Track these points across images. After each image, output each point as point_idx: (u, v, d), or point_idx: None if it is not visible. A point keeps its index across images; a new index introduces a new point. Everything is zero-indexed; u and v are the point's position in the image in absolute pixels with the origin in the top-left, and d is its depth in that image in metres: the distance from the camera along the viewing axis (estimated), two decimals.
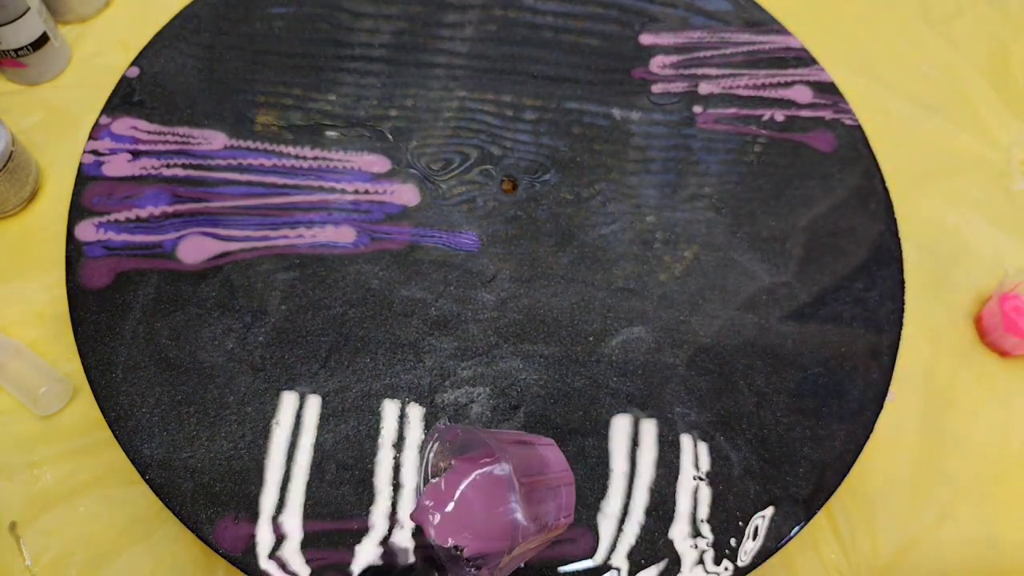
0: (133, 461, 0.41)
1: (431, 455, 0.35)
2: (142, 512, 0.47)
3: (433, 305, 0.46)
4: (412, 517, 0.34)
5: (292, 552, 0.39)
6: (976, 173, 0.66)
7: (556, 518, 0.35)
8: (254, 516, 0.40)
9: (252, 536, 0.39)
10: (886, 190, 0.52)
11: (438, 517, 0.33)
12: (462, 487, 0.34)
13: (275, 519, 0.40)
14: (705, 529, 0.41)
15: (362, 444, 0.42)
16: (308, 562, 0.39)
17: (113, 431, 0.41)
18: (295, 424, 0.42)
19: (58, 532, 0.47)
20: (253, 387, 0.43)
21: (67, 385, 0.50)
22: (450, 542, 0.33)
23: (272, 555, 0.39)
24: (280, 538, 0.39)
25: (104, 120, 0.50)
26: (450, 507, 0.33)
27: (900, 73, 0.70)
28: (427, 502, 0.34)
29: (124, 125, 0.50)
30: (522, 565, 0.35)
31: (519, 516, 0.32)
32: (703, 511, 0.42)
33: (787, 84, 0.56)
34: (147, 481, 0.40)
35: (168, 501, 0.40)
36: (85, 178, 0.48)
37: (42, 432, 0.50)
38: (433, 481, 0.34)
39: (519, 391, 0.44)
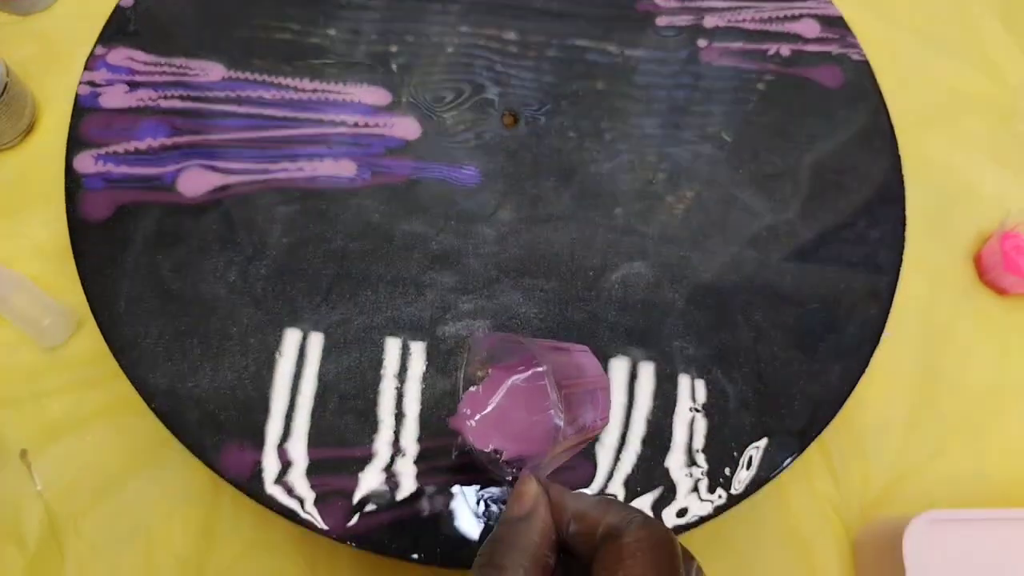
0: (139, 391, 0.41)
1: (467, 364, 0.36)
2: (149, 440, 0.48)
3: (434, 239, 0.46)
4: (451, 424, 0.35)
5: (297, 478, 0.40)
6: (983, 112, 0.65)
7: (593, 420, 0.36)
8: (259, 443, 0.40)
9: (258, 462, 0.40)
10: (892, 128, 0.52)
11: (475, 423, 0.34)
12: (500, 393, 0.34)
13: (280, 446, 0.40)
14: (700, 459, 0.42)
15: (364, 375, 0.42)
16: (313, 487, 0.40)
17: (118, 361, 0.42)
18: (298, 355, 0.42)
19: (67, 460, 0.48)
20: (255, 319, 0.43)
21: (71, 317, 0.51)
22: (490, 447, 0.34)
23: (278, 481, 0.40)
24: (285, 465, 0.40)
25: (99, 51, 0.50)
26: (488, 412, 0.34)
27: (909, 8, 0.69)
28: (465, 409, 0.34)
29: (120, 56, 0.49)
30: (562, 464, 0.36)
31: (558, 420, 0.32)
32: (699, 441, 0.42)
33: (794, 17, 0.55)
34: (153, 410, 0.41)
35: (174, 429, 0.41)
36: (82, 110, 0.48)
37: (48, 363, 0.51)
38: (471, 389, 0.35)
39: (519, 325, 0.44)
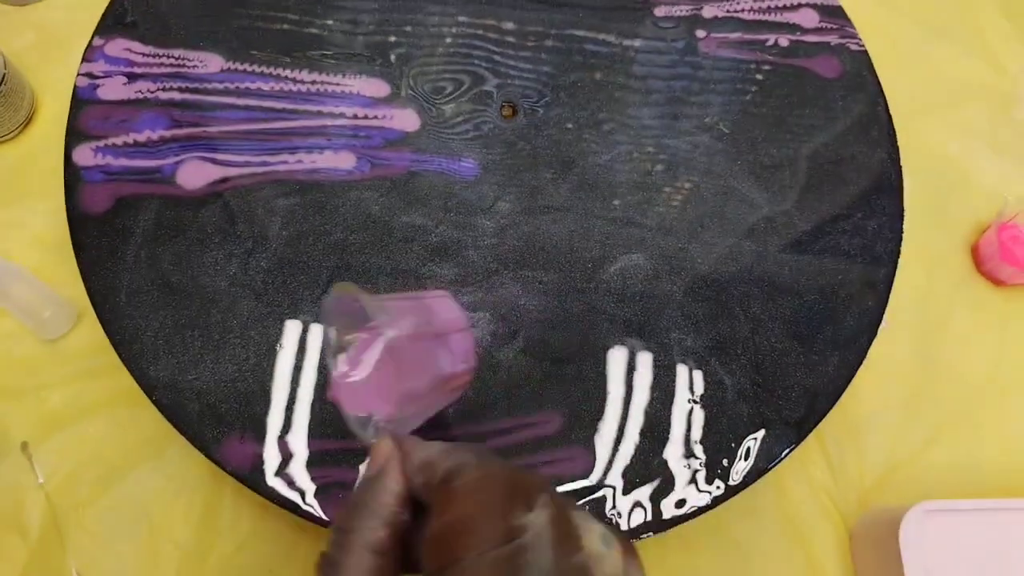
0: (140, 383, 0.42)
1: (327, 334, 0.35)
2: (150, 432, 0.49)
3: (433, 232, 0.46)
4: (330, 396, 0.34)
5: (298, 469, 0.40)
6: (981, 101, 0.65)
7: (452, 366, 0.35)
8: (260, 436, 0.41)
9: (259, 455, 0.40)
10: (890, 118, 0.52)
11: (346, 389, 0.33)
12: (363, 357, 0.33)
13: (281, 438, 0.41)
14: (698, 450, 0.42)
15: None
16: (313, 479, 0.40)
17: (119, 354, 0.42)
18: (299, 348, 0.43)
19: (68, 452, 0.49)
20: (256, 312, 0.43)
21: (71, 309, 0.51)
22: (364, 411, 0.33)
23: (278, 472, 0.40)
24: (286, 456, 0.40)
25: (97, 42, 0.49)
26: (355, 377, 0.33)
27: None
28: (339, 378, 0.34)
29: (118, 47, 0.49)
30: (432, 415, 0.35)
31: (399, 377, 0.32)
32: (697, 433, 0.43)
33: (793, 7, 0.55)
34: (154, 402, 0.41)
35: (175, 421, 0.41)
36: (80, 101, 0.48)
37: (48, 356, 0.51)
38: (340, 357, 0.34)
39: (518, 317, 0.44)
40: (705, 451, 0.42)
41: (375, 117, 0.49)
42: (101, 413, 0.50)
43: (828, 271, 0.47)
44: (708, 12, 0.54)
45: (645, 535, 0.40)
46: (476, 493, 0.25)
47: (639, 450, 0.42)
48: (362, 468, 0.28)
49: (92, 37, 0.49)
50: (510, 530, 0.23)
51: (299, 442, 0.41)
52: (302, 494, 0.40)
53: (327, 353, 0.35)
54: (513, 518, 0.24)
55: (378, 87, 0.50)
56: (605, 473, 0.41)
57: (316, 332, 0.43)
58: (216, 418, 0.41)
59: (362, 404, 0.33)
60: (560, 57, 0.52)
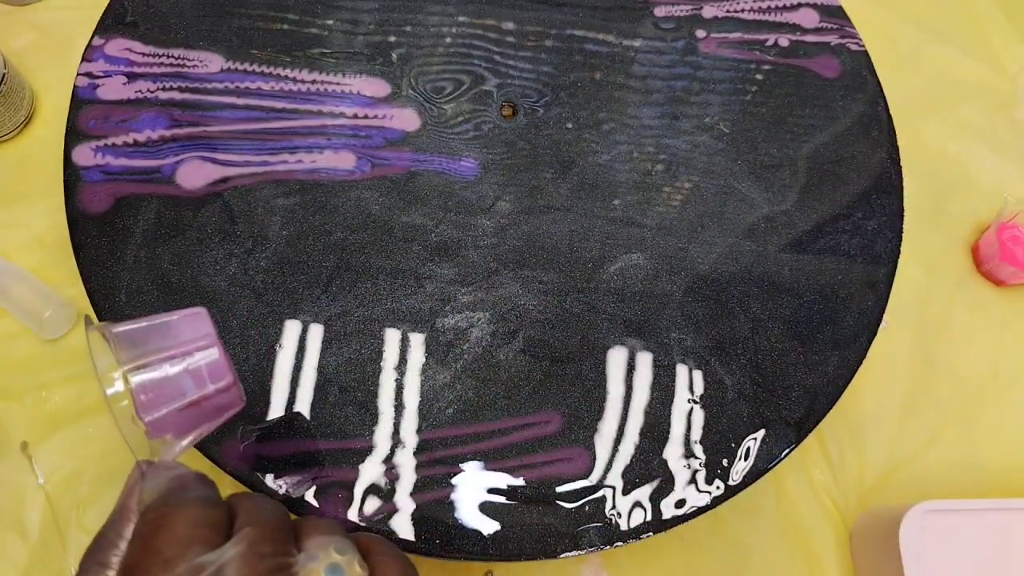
0: None
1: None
2: None
3: (433, 231, 0.46)
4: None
5: (298, 470, 0.40)
6: (981, 101, 0.65)
7: (200, 388, 0.33)
8: (260, 436, 0.41)
9: (258, 455, 0.40)
10: (890, 117, 0.52)
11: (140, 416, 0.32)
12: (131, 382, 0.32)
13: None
14: (698, 450, 0.42)
15: (364, 367, 0.42)
16: (313, 480, 0.40)
17: None
18: (298, 347, 0.43)
19: (68, 452, 0.49)
20: (255, 311, 0.43)
21: (71, 309, 0.51)
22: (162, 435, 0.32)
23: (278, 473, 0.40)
24: (286, 456, 0.40)
25: (97, 41, 0.49)
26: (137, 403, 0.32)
27: None
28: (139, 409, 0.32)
29: (117, 47, 0.49)
30: (203, 435, 0.34)
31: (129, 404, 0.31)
32: (696, 433, 0.43)
33: (793, 7, 0.55)
34: None
35: None
36: (80, 101, 0.48)
37: (48, 355, 0.51)
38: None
39: (518, 316, 0.44)
40: (705, 451, 0.42)
41: (375, 117, 0.49)
42: (101, 413, 0.50)
43: (828, 271, 0.47)
44: (708, 12, 0.54)
45: (645, 535, 0.40)
46: (163, 528, 0.24)
47: (639, 450, 0.42)
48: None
49: (92, 37, 0.49)
50: (192, 568, 0.23)
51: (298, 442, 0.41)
52: (302, 495, 0.40)
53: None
54: (194, 555, 0.23)
55: (378, 87, 0.50)
56: (605, 473, 0.41)
57: (315, 332, 0.43)
58: None
59: (157, 429, 0.32)
60: (560, 57, 0.52)
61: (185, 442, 0.33)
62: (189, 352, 0.33)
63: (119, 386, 0.32)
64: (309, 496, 0.39)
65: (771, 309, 0.46)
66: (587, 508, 0.40)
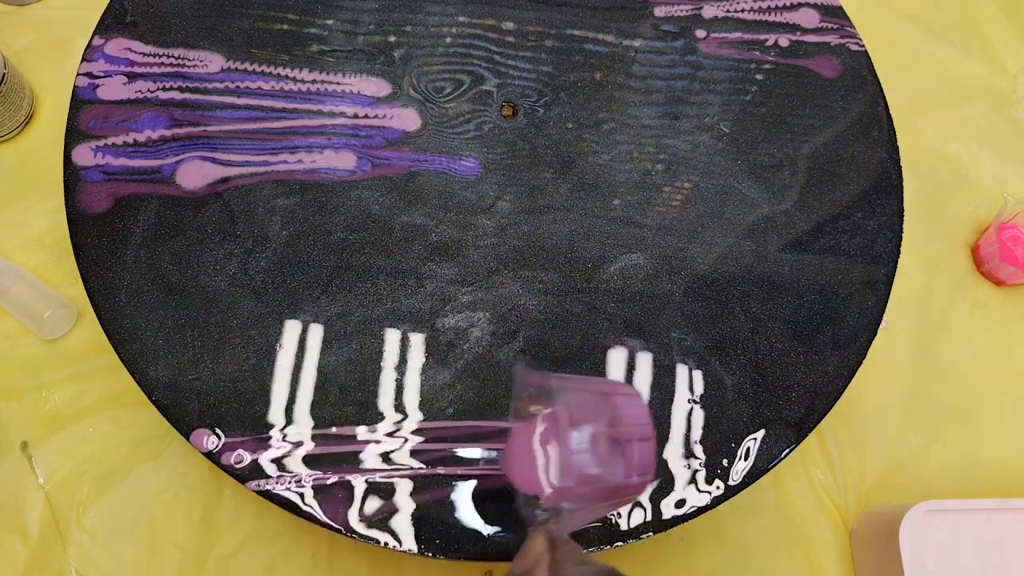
0: (139, 383, 0.41)
1: (516, 399, 0.34)
2: (150, 432, 0.49)
3: (433, 231, 0.46)
4: (502, 465, 0.34)
5: (298, 469, 0.40)
6: (981, 101, 0.65)
7: (626, 475, 0.33)
8: (260, 435, 0.41)
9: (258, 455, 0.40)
10: (890, 118, 0.52)
11: (515, 465, 0.33)
12: (539, 437, 0.33)
13: (281, 438, 0.41)
14: (698, 450, 0.42)
15: (364, 367, 0.42)
16: (313, 479, 0.40)
17: (119, 354, 0.42)
18: (298, 348, 0.43)
19: (68, 452, 0.49)
20: (256, 311, 0.43)
21: (71, 309, 0.51)
22: (532, 491, 0.33)
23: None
24: (286, 457, 0.40)
25: (97, 41, 0.49)
26: (531, 455, 0.33)
27: None
28: (513, 449, 0.34)
29: (118, 46, 0.49)
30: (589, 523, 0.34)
31: (553, 479, 0.31)
32: (696, 433, 0.43)
33: (793, 7, 0.55)
34: (154, 402, 0.41)
35: (175, 421, 0.41)
36: (80, 101, 0.48)
37: (48, 355, 0.51)
38: (516, 426, 0.34)
39: (518, 316, 0.44)
40: (705, 451, 0.42)
41: (375, 116, 0.49)
42: (101, 413, 0.50)
43: (828, 271, 0.47)
44: (708, 12, 0.54)
45: (645, 535, 0.40)
46: None
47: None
48: (516, 560, 0.28)
49: (92, 37, 0.49)
50: None
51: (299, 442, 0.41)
52: (301, 494, 0.40)
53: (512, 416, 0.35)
54: None
55: (379, 87, 0.50)
56: None
57: (315, 331, 0.43)
58: (216, 418, 0.41)
59: (530, 482, 0.33)
60: (560, 57, 0.52)
61: (581, 521, 0.33)
62: (631, 439, 0.34)
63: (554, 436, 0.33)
64: (308, 496, 0.39)
65: (771, 309, 0.46)
66: None
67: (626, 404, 0.35)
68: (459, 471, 0.41)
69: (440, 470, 0.40)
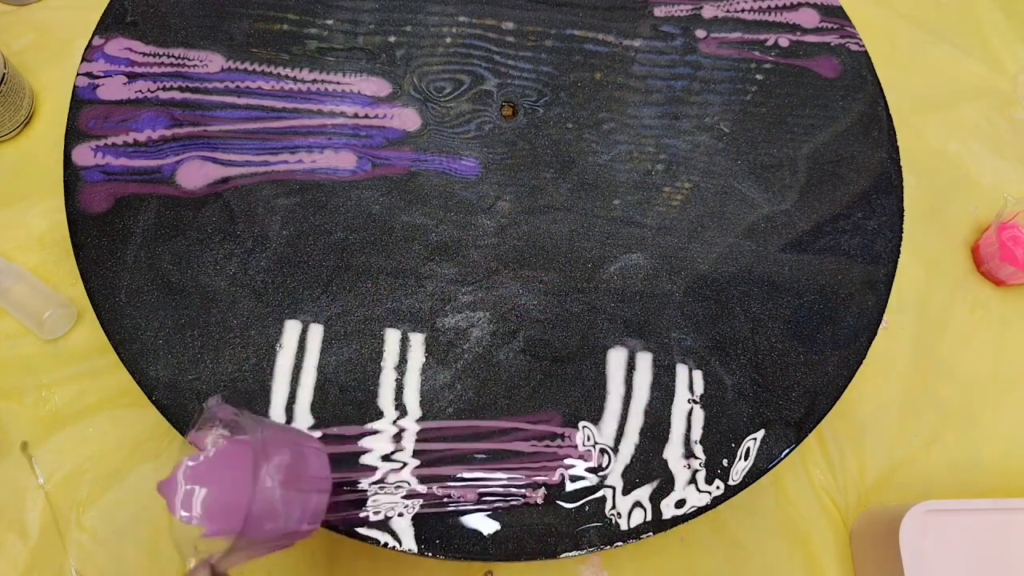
0: (139, 383, 0.41)
1: (196, 428, 0.34)
2: (150, 432, 0.49)
3: (434, 231, 0.46)
4: (159, 487, 0.33)
5: None
6: (981, 101, 0.65)
7: (299, 523, 0.34)
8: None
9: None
10: (890, 117, 0.52)
11: (184, 491, 0.32)
12: (216, 468, 0.33)
13: None
14: (698, 450, 0.42)
15: (364, 367, 0.42)
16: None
17: (119, 354, 0.42)
18: (298, 348, 0.43)
19: (68, 452, 0.49)
20: (256, 311, 0.43)
21: (71, 309, 0.51)
22: (189, 517, 0.32)
23: None
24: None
25: (97, 41, 0.49)
26: (198, 484, 0.33)
27: None
28: (178, 475, 0.33)
29: (118, 46, 0.49)
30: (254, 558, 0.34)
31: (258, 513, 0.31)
32: (696, 433, 0.43)
33: (793, 7, 0.55)
34: (154, 402, 0.41)
35: (175, 421, 0.41)
36: (80, 101, 0.48)
37: (48, 355, 0.51)
38: (190, 458, 0.33)
39: (518, 316, 0.44)
40: (705, 451, 0.42)
41: (376, 116, 0.49)
42: (101, 413, 0.50)
43: (828, 271, 0.47)
44: (708, 12, 0.54)
45: (645, 535, 0.40)
46: None
47: (639, 450, 0.42)
48: None
49: (92, 37, 0.49)
50: None
51: None
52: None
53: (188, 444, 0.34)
54: None
55: (379, 86, 0.50)
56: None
57: (315, 331, 0.43)
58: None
59: (188, 508, 0.32)
60: (560, 57, 0.52)
61: (243, 558, 0.32)
62: (311, 490, 0.34)
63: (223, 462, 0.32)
64: None
65: (771, 309, 0.46)
66: (587, 508, 0.40)
67: (313, 456, 0.36)
68: (459, 472, 0.40)
69: (439, 470, 0.40)
